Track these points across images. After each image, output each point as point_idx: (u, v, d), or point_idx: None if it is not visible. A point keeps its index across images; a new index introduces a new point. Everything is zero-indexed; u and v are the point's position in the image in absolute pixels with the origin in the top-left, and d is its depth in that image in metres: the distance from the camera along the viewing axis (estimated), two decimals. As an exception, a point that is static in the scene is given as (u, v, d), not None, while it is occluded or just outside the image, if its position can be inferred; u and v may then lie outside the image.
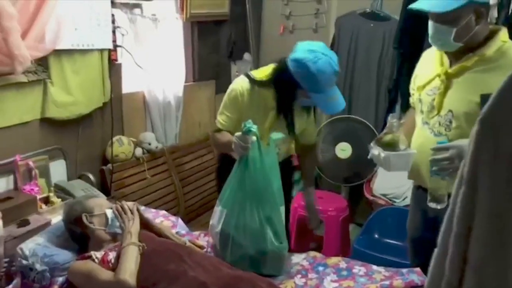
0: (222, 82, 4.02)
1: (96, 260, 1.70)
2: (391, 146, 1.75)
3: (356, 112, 3.60)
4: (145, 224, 1.94)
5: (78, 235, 1.91)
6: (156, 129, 3.30)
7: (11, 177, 2.36)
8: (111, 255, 1.71)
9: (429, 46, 2.85)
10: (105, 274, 1.61)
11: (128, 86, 3.13)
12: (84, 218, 1.88)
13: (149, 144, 3.16)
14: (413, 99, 2.00)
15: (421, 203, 1.85)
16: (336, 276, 1.91)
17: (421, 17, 2.97)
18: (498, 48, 1.69)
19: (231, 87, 2.15)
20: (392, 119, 1.77)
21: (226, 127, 2.14)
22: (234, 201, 1.94)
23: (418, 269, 1.90)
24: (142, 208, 2.43)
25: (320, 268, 1.97)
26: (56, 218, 2.17)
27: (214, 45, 3.90)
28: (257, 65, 4.35)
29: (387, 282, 1.81)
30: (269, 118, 2.11)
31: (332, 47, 3.79)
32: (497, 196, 0.67)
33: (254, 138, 1.88)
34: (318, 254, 2.07)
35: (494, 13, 2.45)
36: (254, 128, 1.85)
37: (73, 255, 1.90)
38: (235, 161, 2.09)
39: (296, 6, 4.02)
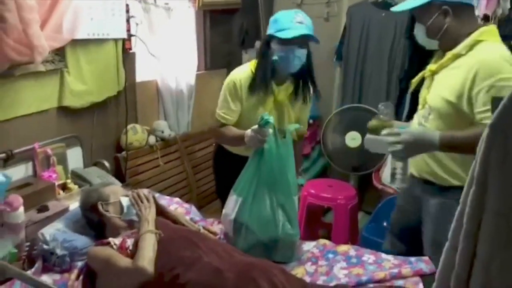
0: (234, 71, 4.06)
1: (114, 247, 1.75)
2: (375, 130, 1.89)
3: (366, 101, 3.63)
4: (161, 211, 1.99)
5: (95, 223, 1.97)
6: (168, 117, 3.35)
7: (30, 164, 2.43)
8: (129, 242, 1.76)
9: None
10: (124, 261, 1.66)
11: (141, 74, 3.17)
12: (99, 206, 1.93)
13: (162, 132, 3.21)
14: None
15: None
16: (346, 264, 1.95)
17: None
18: (468, 45, 1.81)
19: (227, 80, 2.22)
20: (382, 106, 1.93)
21: (230, 120, 2.21)
22: (249, 190, 2.00)
23: (426, 258, 1.94)
24: (157, 195, 2.49)
25: (330, 256, 2.01)
26: (74, 205, 2.23)
27: (226, 34, 3.92)
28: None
29: (395, 270, 1.86)
30: (268, 104, 2.18)
31: (343, 36, 3.81)
32: (505, 197, 0.71)
33: (271, 130, 1.92)
34: (328, 242, 2.12)
35: (507, 4, 2.46)
36: (271, 119, 1.89)
37: (91, 240, 1.96)
38: (231, 154, 2.22)
39: (308, -5, 4.03)
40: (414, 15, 1.95)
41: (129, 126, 2.95)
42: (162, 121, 3.29)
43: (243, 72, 2.19)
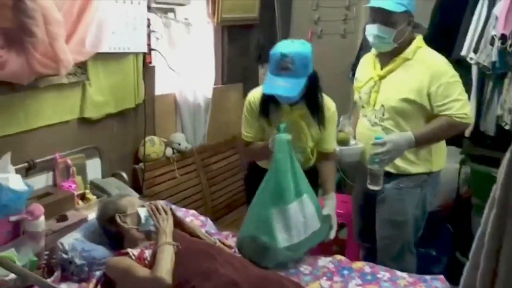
0: (250, 85, 4.08)
1: (133, 257, 1.78)
2: (343, 142, 2.22)
3: (382, 118, 3.62)
4: (178, 223, 2.02)
5: (113, 234, 1.99)
6: (185, 130, 3.39)
7: (51, 174, 2.48)
8: (147, 253, 1.79)
9: (457, 54, 2.91)
10: (142, 271, 1.69)
11: (160, 87, 3.22)
12: (117, 218, 1.96)
13: (179, 144, 3.25)
14: (356, 97, 2.41)
15: (363, 184, 2.24)
16: (361, 281, 1.96)
17: (450, 25, 3.02)
18: (412, 51, 2.15)
19: (246, 100, 2.34)
20: (344, 120, 2.29)
21: (251, 137, 2.33)
22: (257, 201, 2.06)
23: (441, 276, 1.95)
24: (173, 207, 2.52)
25: (345, 272, 2.02)
26: (92, 215, 2.26)
27: (243, 49, 3.97)
28: (284, 68, 4.40)
29: (410, 288, 1.86)
30: (284, 122, 2.18)
31: (360, 52, 3.83)
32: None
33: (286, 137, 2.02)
34: (343, 258, 2.13)
35: None
36: (283, 127, 2.02)
37: (109, 251, 1.99)
38: (263, 169, 2.23)
39: (325, 12, 4.07)
40: (383, 18, 2.09)
41: (147, 138, 2.99)
42: (179, 133, 3.33)
43: (257, 92, 2.27)
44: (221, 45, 3.75)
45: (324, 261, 2.11)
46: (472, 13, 2.88)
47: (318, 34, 4.12)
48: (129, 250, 1.83)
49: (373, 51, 2.33)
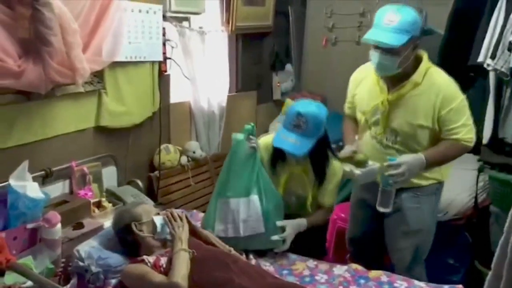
0: (264, 93, 4.11)
1: (149, 264, 1.78)
2: (362, 164, 2.13)
3: (397, 125, 3.59)
4: (193, 231, 2.02)
5: (129, 242, 2.00)
6: (200, 138, 3.40)
7: (67, 181, 2.50)
8: (163, 260, 1.79)
9: (474, 61, 2.87)
10: (159, 277, 1.69)
11: (175, 96, 3.24)
12: (133, 226, 1.96)
13: (194, 152, 3.26)
14: (349, 110, 2.42)
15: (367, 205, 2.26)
16: (378, 290, 1.94)
17: (467, 31, 2.99)
18: (421, 73, 2.08)
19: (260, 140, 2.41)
20: (358, 140, 2.25)
21: None
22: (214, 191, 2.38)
23: (460, 286, 1.92)
24: (192, 212, 2.52)
25: (362, 281, 2.00)
26: (108, 222, 2.27)
27: (257, 57, 3.99)
28: (298, 76, 4.41)
29: (429, 298, 1.84)
30: (286, 172, 2.33)
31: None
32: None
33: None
34: (359, 267, 2.11)
35: None
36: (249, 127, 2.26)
37: (125, 258, 1.99)
38: None
39: (339, 19, 4.07)
40: (387, 49, 2.00)
41: (162, 146, 3.01)
42: (194, 141, 3.34)
43: (266, 140, 2.40)
44: (235, 53, 3.77)
45: (339, 270, 2.09)
46: (489, 19, 2.84)
47: (332, 41, 4.12)
48: (144, 257, 1.83)
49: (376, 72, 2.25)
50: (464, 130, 2.08)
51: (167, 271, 1.73)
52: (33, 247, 1.98)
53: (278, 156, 2.32)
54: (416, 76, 2.08)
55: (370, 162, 2.14)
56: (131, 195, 2.63)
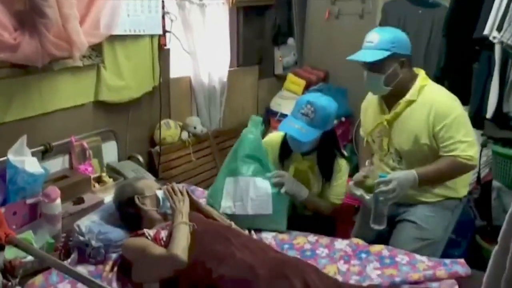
0: (265, 67, 4.06)
1: (149, 237, 1.78)
2: (371, 189, 2.06)
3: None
4: (194, 205, 2.01)
5: (131, 216, 1.99)
6: (201, 113, 3.37)
7: (67, 157, 2.49)
8: (163, 234, 1.79)
9: (479, 33, 2.82)
10: (159, 250, 1.68)
11: (175, 71, 3.20)
12: (136, 200, 1.96)
13: (195, 128, 3.23)
14: (366, 139, 2.35)
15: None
16: (379, 264, 1.93)
17: (472, 3, 2.92)
18: (416, 91, 2.08)
19: (265, 139, 2.43)
20: (369, 165, 2.20)
21: None
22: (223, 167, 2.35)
23: (462, 260, 1.91)
24: (192, 187, 2.52)
25: (363, 255, 1.99)
26: (108, 197, 2.27)
27: (259, 30, 3.92)
28: (300, 50, 4.35)
29: (430, 272, 1.82)
30: (291, 169, 2.32)
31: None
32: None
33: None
34: (360, 241, 2.10)
35: None
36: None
37: (125, 233, 1.99)
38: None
39: (343, -9, 3.99)
40: (368, 66, 2.05)
41: (162, 122, 2.99)
42: (195, 117, 3.32)
43: (274, 137, 2.41)
44: (236, 27, 3.70)
45: (341, 244, 2.08)
46: (496, -10, 2.77)
47: (335, 14, 4.04)
48: (145, 230, 1.83)
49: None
50: (461, 146, 2.02)
51: (167, 244, 1.72)
52: (33, 222, 1.98)
53: (285, 151, 2.32)
54: (411, 94, 2.08)
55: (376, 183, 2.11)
56: (132, 170, 2.62)
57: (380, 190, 2.00)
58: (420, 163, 2.09)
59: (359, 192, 2.14)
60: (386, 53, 2.01)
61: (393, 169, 2.18)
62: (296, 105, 2.21)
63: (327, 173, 2.28)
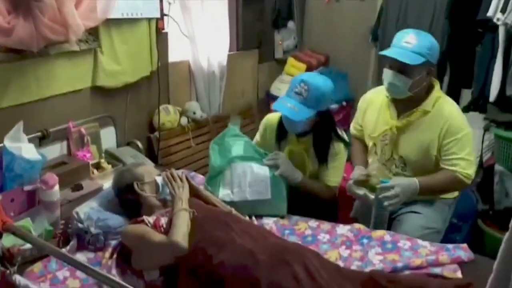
0: (266, 51, 4.01)
1: (148, 224, 1.76)
2: (376, 189, 2.09)
3: (402, 83, 3.52)
4: (194, 191, 1.99)
5: (130, 203, 1.97)
6: (200, 98, 3.33)
7: (65, 143, 2.47)
8: (163, 220, 1.77)
9: (483, 15, 2.78)
10: (158, 236, 1.67)
11: (173, 55, 3.16)
12: (135, 186, 1.94)
13: (194, 113, 3.20)
14: (356, 131, 2.40)
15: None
16: (381, 249, 1.91)
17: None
18: (432, 102, 2.08)
19: (264, 119, 2.42)
20: (373, 164, 2.22)
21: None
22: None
23: (464, 245, 1.89)
24: (192, 174, 2.49)
25: (365, 241, 1.97)
26: (107, 184, 2.25)
27: (259, 14, 3.87)
28: (301, 33, 4.30)
29: (432, 257, 1.81)
30: (286, 150, 2.30)
31: (379, 16, 3.70)
32: None
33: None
34: (362, 226, 2.08)
35: None
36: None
37: (124, 219, 1.97)
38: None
39: (343, -27, 3.93)
40: (399, 67, 2.02)
41: (161, 107, 2.95)
42: (194, 102, 3.29)
43: (274, 118, 2.35)
44: (235, 10, 3.66)
45: (342, 229, 2.06)
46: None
47: (336, -3, 3.99)
48: (144, 217, 1.81)
49: (386, 93, 2.20)
50: (463, 163, 2.06)
51: (167, 231, 1.70)
52: (31, 209, 1.96)
53: (281, 132, 2.30)
54: (426, 104, 2.08)
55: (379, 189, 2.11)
56: (131, 156, 2.59)
57: (384, 195, 2.03)
58: (424, 172, 2.12)
59: (361, 191, 2.16)
60: (422, 59, 2.00)
61: (396, 174, 2.20)
62: (290, 84, 2.17)
63: (322, 156, 2.24)
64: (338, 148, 2.25)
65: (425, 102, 2.09)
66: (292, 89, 2.13)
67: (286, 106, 2.11)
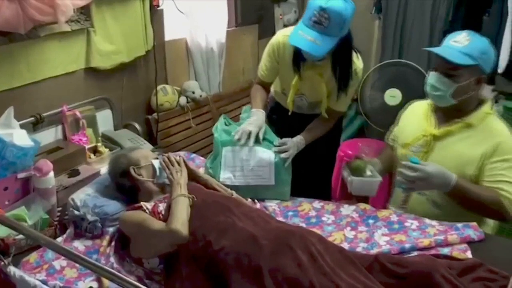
0: (266, 26, 3.91)
1: (147, 211, 1.71)
2: (358, 171, 1.96)
3: (407, 56, 3.45)
4: (192, 176, 1.93)
5: (126, 188, 1.92)
6: (199, 77, 3.26)
7: (60, 127, 2.41)
8: (161, 207, 1.71)
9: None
10: (157, 224, 1.61)
11: (170, 33, 3.08)
12: (132, 171, 1.88)
13: (193, 92, 3.13)
14: (389, 140, 2.25)
15: None
16: (387, 230, 1.86)
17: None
18: (480, 117, 1.88)
19: (273, 39, 2.23)
20: (362, 145, 2.06)
21: (264, 76, 2.31)
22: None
23: (474, 223, 1.83)
24: (192, 155, 2.43)
25: (371, 221, 1.92)
26: (105, 168, 2.19)
27: (258, -13, 3.76)
28: (301, 7, 4.19)
29: (441, 237, 1.75)
30: (302, 73, 2.15)
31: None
32: None
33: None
34: (368, 206, 2.02)
35: None
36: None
37: (122, 205, 1.92)
38: (284, 109, 2.33)
39: None
40: (446, 68, 1.83)
41: (159, 87, 2.89)
42: (193, 81, 3.22)
43: (285, 36, 2.13)
44: (233, -17, 3.54)
45: (347, 210, 2.00)
46: None
47: (337, -33, 3.85)
48: (142, 203, 1.76)
49: (429, 101, 2.04)
50: (510, 189, 1.81)
51: (166, 218, 1.65)
52: (26, 197, 1.91)
53: (296, 55, 2.10)
54: (472, 117, 1.89)
55: (369, 172, 1.96)
56: (129, 139, 2.54)
57: (401, 171, 1.82)
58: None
59: (345, 173, 2.02)
60: (471, 61, 1.79)
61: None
62: (306, 11, 1.92)
63: (344, 80, 2.11)
64: (357, 69, 2.14)
65: (471, 115, 1.89)
66: (310, 18, 1.89)
67: (306, 40, 1.89)
